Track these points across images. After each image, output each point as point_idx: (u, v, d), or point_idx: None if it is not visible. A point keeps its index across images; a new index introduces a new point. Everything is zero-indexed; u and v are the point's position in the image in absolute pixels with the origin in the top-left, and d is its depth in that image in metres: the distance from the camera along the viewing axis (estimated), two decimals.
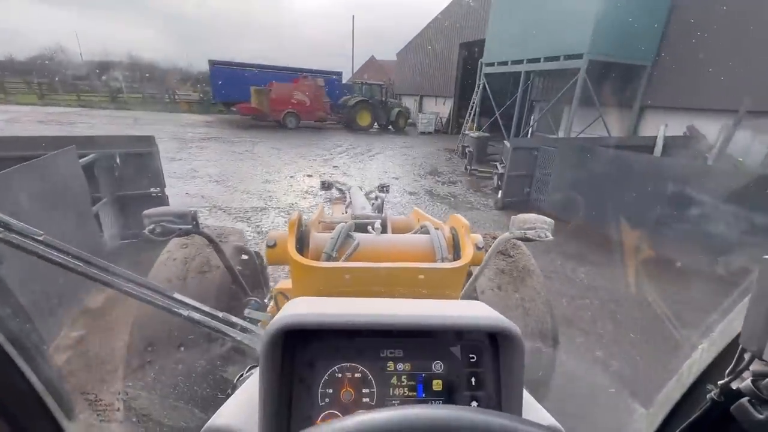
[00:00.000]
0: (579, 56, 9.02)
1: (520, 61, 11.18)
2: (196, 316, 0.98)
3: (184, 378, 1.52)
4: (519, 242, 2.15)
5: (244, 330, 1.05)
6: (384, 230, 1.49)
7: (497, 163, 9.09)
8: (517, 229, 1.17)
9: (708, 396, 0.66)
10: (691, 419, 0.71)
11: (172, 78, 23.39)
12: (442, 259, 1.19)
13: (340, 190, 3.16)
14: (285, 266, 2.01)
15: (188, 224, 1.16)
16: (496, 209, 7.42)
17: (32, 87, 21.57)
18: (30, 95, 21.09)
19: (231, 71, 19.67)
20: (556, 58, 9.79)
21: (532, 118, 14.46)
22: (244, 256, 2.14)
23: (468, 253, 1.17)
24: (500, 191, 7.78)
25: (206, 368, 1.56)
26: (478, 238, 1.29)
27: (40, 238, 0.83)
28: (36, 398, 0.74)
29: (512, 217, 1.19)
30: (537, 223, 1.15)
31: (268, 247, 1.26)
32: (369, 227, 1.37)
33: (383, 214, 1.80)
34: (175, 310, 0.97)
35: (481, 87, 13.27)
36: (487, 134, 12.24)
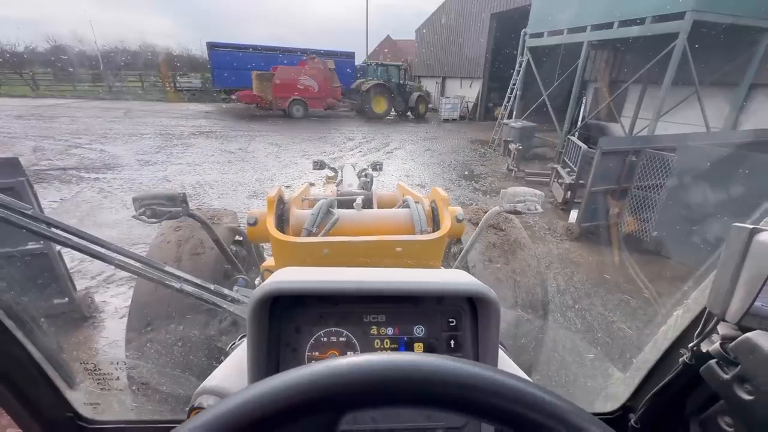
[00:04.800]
0: (678, 16, 6.49)
1: (581, 29, 8.63)
2: (188, 288, 0.99)
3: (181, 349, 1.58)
4: (511, 216, 2.16)
5: (235, 301, 1.04)
6: (369, 206, 1.64)
7: (558, 166, 6.80)
8: (507, 202, 1.23)
9: (680, 360, 0.69)
10: (664, 381, 0.75)
11: (165, 64, 21.54)
12: (421, 232, 1.27)
13: (332, 168, 3.05)
14: None
15: (178, 207, 1.20)
16: (567, 238, 5.20)
17: (24, 77, 20.14)
18: (23, 86, 19.71)
19: (232, 54, 17.58)
20: (638, 22, 7.25)
21: (583, 101, 11.88)
22: (238, 238, 2.15)
23: (446, 225, 1.25)
24: (572, 211, 5.54)
25: (201, 339, 1.64)
26: (458, 210, 1.39)
27: (29, 212, 0.82)
28: (37, 369, 0.77)
29: (502, 190, 1.25)
30: (527, 196, 1.21)
31: (249, 225, 1.31)
32: (354, 203, 1.40)
33: (370, 191, 1.89)
34: (168, 282, 0.97)
35: (524, 64, 10.74)
36: (533, 124, 9.84)
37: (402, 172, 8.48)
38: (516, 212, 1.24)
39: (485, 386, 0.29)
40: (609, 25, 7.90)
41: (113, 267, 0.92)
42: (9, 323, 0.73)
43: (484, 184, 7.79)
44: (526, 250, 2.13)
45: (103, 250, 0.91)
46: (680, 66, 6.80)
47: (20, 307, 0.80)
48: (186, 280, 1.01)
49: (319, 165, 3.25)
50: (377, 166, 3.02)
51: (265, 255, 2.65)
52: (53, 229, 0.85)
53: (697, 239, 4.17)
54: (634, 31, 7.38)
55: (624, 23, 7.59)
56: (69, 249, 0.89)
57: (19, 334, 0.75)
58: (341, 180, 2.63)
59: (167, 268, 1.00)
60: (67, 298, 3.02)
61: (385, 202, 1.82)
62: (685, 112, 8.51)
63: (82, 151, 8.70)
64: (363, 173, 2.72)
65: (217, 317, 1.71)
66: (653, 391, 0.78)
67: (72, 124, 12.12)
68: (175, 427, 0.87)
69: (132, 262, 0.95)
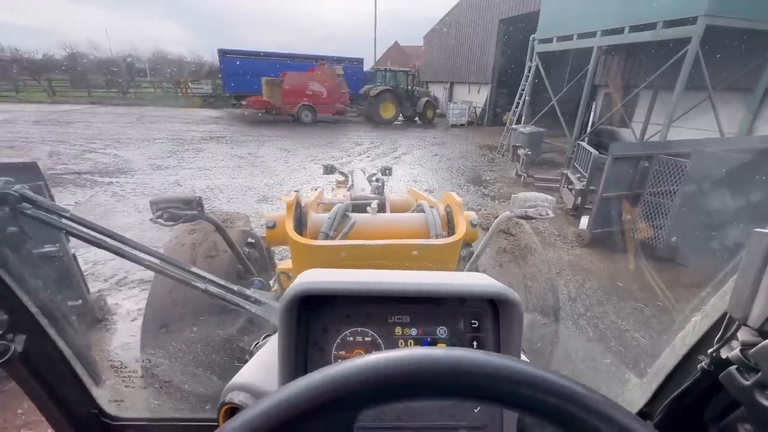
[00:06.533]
0: (690, 21, 6.43)
1: (591, 34, 8.59)
2: (213, 289, 1.03)
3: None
4: (521, 221, 2.13)
5: (257, 302, 1.06)
6: (383, 210, 1.63)
7: (568, 172, 6.75)
8: (518, 207, 1.23)
9: (699, 366, 0.68)
10: (681, 388, 0.74)
11: (177, 70, 21.95)
12: (436, 236, 1.30)
13: (342, 173, 3.06)
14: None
15: (194, 210, 1.22)
16: (578, 244, 5.14)
17: (42, 84, 20.70)
18: (40, 93, 20.26)
19: (242, 61, 17.88)
20: (649, 27, 7.20)
21: (593, 106, 11.79)
22: (250, 240, 2.15)
23: (461, 229, 1.26)
24: (583, 218, 5.48)
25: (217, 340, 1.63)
26: (472, 215, 1.43)
27: (67, 215, 0.86)
28: (67, 366, 0.81)
29: (513, 195, 1.25)
30: (538, 201, 1.21)
31: (268, 228, 1.37)
32: (367, 207, 1.43)
33: (383, 195, 1.89)
34: (194, 283, 1.02)
35: (533, 70, 10.72)
36: (542, 129, 9.79)
37: (410, 177, 8.49)
38: (527, 217, 1.23)
39: (531, 382, 0.30)
40: (619, 30, 7.86)
41: (136, 268, 1.01)
42: (44, 322, 0.75)
43: (493, 190, 7.75)
44: (536, 255, 2.12)
45: (136, 252, 0.96)
46: (692, 70, 6.71)
47: (54, 305, 0.82)
48: (211, 281, 1.05)
49: (329, 170, 3.28)
50: (387, 171, 3.04)
51: (275, 258, 2.67)
52: (90, 232, 0.89)
53: (711, 246, 4.08)
54: (645, 36, 7.32)
55: (635, 28, 7.54)
56: (105, 251, 0.94)
57: (52, 332, 0.77)
58: (352, 184, 2.65)
59: (194, 270, 1.05)
60: (80, 300, 3.07)
61: (397, 206, 1.85)
62: (698, 118, 8.39)
63: (96, 155, 8.88)
64: (374, 178, 2.75)
65: (229, 318, 1.72)
66: (671, 397, 0.78)
67: (87, 129, 12.40)
68: (194, 424, 0.99)
69: (162, 263, 1.00)
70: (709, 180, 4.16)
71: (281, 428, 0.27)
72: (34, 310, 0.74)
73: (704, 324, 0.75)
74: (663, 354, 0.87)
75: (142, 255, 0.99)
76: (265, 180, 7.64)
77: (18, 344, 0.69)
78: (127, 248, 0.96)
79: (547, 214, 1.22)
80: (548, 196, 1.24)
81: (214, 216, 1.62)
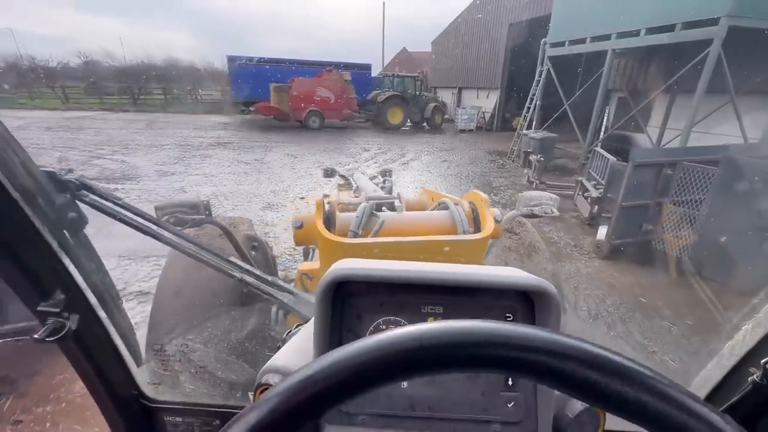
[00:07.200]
0: (712, 22, 6.16)
1: (605, 37, 8.35)
2: (248, 279, 1.11)
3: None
4: (524, 220, 2.24)
5: (290, 293, 1.14)
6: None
7: (583, 179, 6.50)
8: (524, 206, 1.29)
9: (749, 378, 0.64)
10: (730, 402, 0.70)
11: (187, 77, 22.23)
12: (464, 232, 1.30)
13: (342, 176, 3.10)
14: (293, 254, 2.24)
15: (201, 214, 1.23)
16: (596, 256, 4.87)
17: (56, 91, 21.08)
18: (54, 100, 20.63)
19: (251, 67, 17.95)
20: (667, 29, 6.94)
21: (606, 111, 11.51)
22: (254, 243, 2.19)
23: (489, 225, 1.29)
24: (601, 227, 5.22)
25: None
26: (495, 211, 1.39)
27: (120, 202, 0.95)
28: (113, 347, 0.85)
29: (519, 194, 1.32)
30: (543, 200, 1.26)
31: (296, 228, 1.34)
32: (384, 207, 1.49)
33: (396, 194, 1.86)
34: (230, 272, 1.10)
35: (544, 74, 10.49)
36: (553, 134, 9.53)
37: (419, 183, 8.30)
38: (533, 216, 1.26)
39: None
40: (635, 33, 7.61)
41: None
42: (94, 302, 0.78)
43: (504, 197, 7.51)
44: (540, 253, 2.14)
45: (178, 240, 1.03)
46: (713, 73, 6.44)
47: (103, 287, 0.85)
48: (247, 271, 1.11)
49: (330, 173, 3.28)
50: (387, 173, 3.05)
51: (277, 265, 2.67)
52: (139, 219, 0.96)
53: (743, 259, 3.80)
54: (662, 38, 7.07)
55: (651, 30, 7.30)
56: (150, 238, 1.01)
57: (101, 313, 0.80)
58: (357, 187, 2.63)
59: (232, 259, 1.12)
60: None
61: (413, 205, 1.85)
62: (718, 122, 8.07)
63: (103, 161, 8.89)
64: (374, 180, 2.72)
65: (237, 325, 1.75)
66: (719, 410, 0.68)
67: (96, 135, 12.49)
68: (227, 411, 0.95)
69: (202, 252, 1.07)
70: (739, 188, 3.89)
71: (318, 396, 0.28)
72: (87, 291, 0.77)
73: (756, 333, 0.70)
74: (709, 365, 0.83)
75: (184, 243, 1.05)
76: (271, 186, 7.53)
77: (72, 323, 0.72)
78: (169, 235, 1.04)
79: (552, 212, 1.24)
80: (553, 195, 1.26)
81: (221, 221, 1.61)
